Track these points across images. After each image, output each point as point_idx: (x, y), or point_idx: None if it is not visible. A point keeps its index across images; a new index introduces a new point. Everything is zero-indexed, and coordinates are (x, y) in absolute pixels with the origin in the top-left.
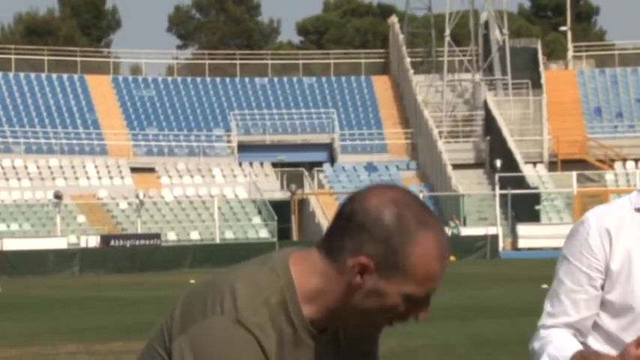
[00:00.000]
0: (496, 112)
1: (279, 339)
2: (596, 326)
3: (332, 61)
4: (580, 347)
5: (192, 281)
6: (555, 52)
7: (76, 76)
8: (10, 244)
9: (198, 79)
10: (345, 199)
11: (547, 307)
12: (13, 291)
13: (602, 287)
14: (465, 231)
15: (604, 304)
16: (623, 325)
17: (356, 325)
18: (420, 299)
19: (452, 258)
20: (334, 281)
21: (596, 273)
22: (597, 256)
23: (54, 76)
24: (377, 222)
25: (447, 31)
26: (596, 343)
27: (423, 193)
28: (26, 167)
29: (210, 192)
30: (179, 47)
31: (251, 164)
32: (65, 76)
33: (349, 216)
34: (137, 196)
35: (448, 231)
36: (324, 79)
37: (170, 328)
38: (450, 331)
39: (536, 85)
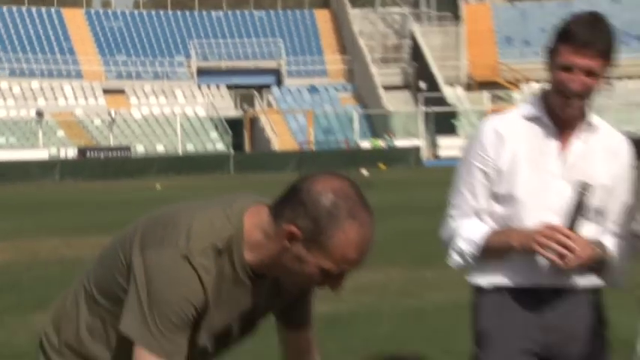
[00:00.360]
0: (421, 41)
1: (219, 276)
2: (492, 215)
3: None
4: (487, 227)
5: (157, 186)
6: None
7: (53, 9)
8: None
9: (162, 12)
10: (300, 177)
11: (452, 200)
12: (1, 196)
13: (494, 182)
14: (394, 143)
15: (495, 196)
16: (509, 213)
17: (284, 280)
18: (334, 275)
19: (383, 166)
20: (272, 239)
21: (489, 169)
22: (489, 155)
23: (33, 9)
24: (314, 203)
25: None
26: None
27: (358, 112)
28: (11, 89)
29: (174, 111)
30: None
31: (209, 87)
32: (43, 9)
33: (296, 191)
34: (109, 114)
35: (383, 143)
36: (272, 12)
37: (132, 242)
38: (384, 225)
39: (457, 17)
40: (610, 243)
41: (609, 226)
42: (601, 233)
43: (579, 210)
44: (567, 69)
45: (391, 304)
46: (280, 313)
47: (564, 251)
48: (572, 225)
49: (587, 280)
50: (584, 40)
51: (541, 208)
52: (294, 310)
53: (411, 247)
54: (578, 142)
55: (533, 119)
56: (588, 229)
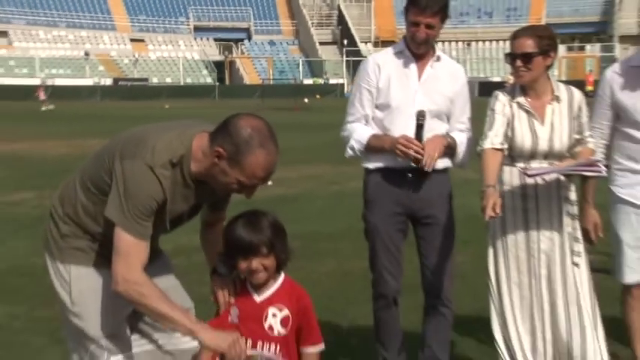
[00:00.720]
0: (345, 12)
1: (173, 182)
2: (374, 119)
3: None
4: (372, 132)
5: (166, 106)
6: None
7: None
8: (59, 82)
9: None
10: (231, 115)
11: (347, 110)
12: (61, 109)
13: (375, 96)
14: (327, 81)
15: (376, 106)
16: (386, 117)
17: (215, 187)
18: (248, 186)
19: (319, 97)
20: (208, 157)
21: (372, 88)
22: (371, 78)
23: None
24: (237, 133)
25: None
26: (376, 129)
27: (302, 59)
28: (67, 36)
29: (177, 55)
30: None
31: (202, 39)
32: None
33: (227, 124)
34: (134, 56)
35: (320, 81)
36: None
37: (114, 152)
38: (319, 136)
39: None
40: (456, 136)
41: (455, 125)
42: (450, 130)
43: (420, 129)
44: (415, 24)
45: (323, 189)
46: (210, 204)
47: (418, 156)
48: (418, 136)
49: (441, 163)
50: (425, 4)
51: (407, 112)
52: (219, 202)
53: (336, 151)
54: (429, 68)
55: (399, 53)
56: (438, 129)
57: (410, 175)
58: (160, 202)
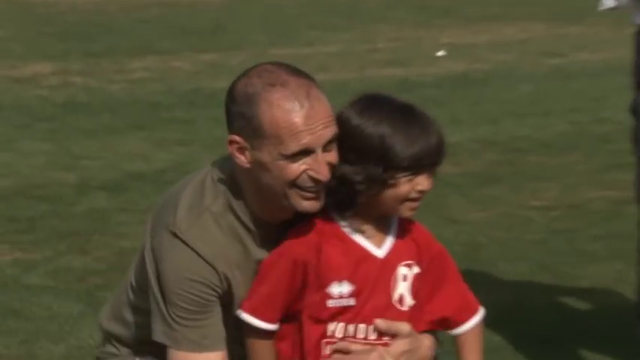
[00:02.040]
0: None
1: (228, 237)
2: None
3: None
4: None
5: None
6: None
7: None
8: None
9: None
10: None
11: None
12: None
13: None
14: None
15: None
16: None
17: (281, 205)
18: (300, 154)
19: None
20: (236, 169)
21: None
22: None
23: None
24: (231, 100)
25: None
26: None
27: None
28: None
29: None
30: None
31: None
32: None
33: (225, 101)
34: None
35: None
36: None
37: (145, 239)
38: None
39: None
40: None
41: None
42: None
43: None
44: None
45: (531, 62)
46: None
47: None
48: None
49: None
50: None
51: None
52: None
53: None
54: None
55: None
56: None
57: None
58: (210, 282)
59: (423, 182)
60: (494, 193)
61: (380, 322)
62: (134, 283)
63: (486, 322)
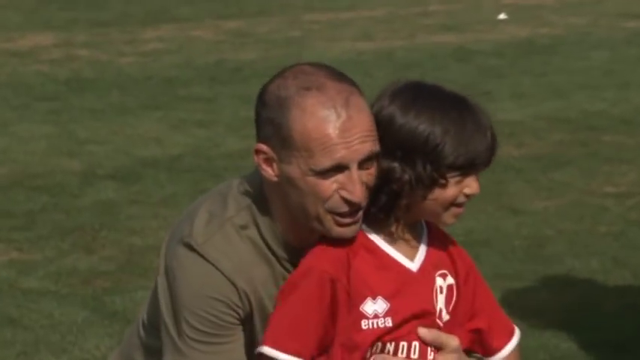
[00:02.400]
0: None
1: (250, 258)
2: None
3: None
4: None
5: None
6: None
7: None
8: None
9: None
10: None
11: None
12: None
13: None
14: None
15: None
16: None
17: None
18: (340, 168)
19: None
20: (264, 182)
21: None
22: None
23: None
24: (261, 103)
25: None
26: None
27: None
28: None
29: None
30: None
31: None
32: None
33: (256, 105)
34: None
35: None
36: None
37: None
38: None
39: None
40: None
41: None
42: None
43: None
44: None
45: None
46: None
47: None
48: None
49: None
50: None
51: None
52: None
53: None
54: None
55: None
56: None
57: None
58: (231, 300)
59: (472, 184)
60: (563, 178)
61: (425, 332)
62: (146, 321)
63: (553, 326)
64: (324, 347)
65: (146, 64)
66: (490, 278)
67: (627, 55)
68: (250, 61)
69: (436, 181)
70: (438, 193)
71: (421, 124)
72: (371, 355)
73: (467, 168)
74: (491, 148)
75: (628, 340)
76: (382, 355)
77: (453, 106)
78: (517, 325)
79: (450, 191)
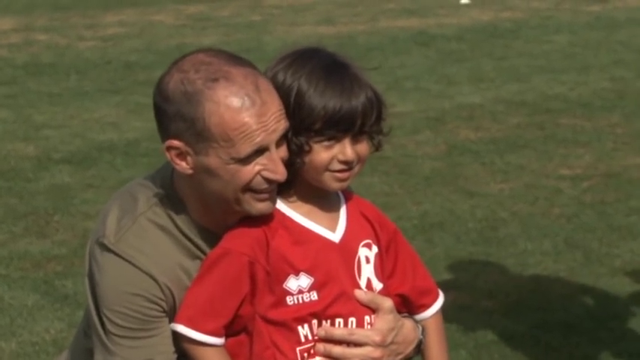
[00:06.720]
0: None
1: (170, 246)
2: None
3: None
4: None
5: None
6: None
7: None
8: None
9: None
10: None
11: None
12: None
13: None
14: None
15: None
16: None
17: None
18: (252, 155)
19: None
20: (178, 176)
21: None
22: None
23: None
24: (164, 99)
25: None
26: None
27: None
28: None
29: None
30: None
31: None
32: None
33: (154, 108)
34: None
35: None
36: None
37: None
38: None
39: None
40: None
41: None
42: None
43: None
44: None
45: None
46: None
47: None
48: None
49: None
50: None
51: None
52: None
53: None
54: None
55: None
56: None
57: None
58: (150, 294)
59: (344, 151)
60: (518, 161)
61: (361, 293)
62: (86, 325)
63: (504, 308)
64: (238, 329)
65: (106, 49)
66: (443, 260)
67: (589, 39)
68: (211, 45)
69: (301, 147)
70: (308, 159)
71: (289, 81)
72: (314, 337)
73: (331, 132)
74: (361, 113)
75: (578, 320)
76: (326, 327)
77: (328, 68)
78: (469, 308)
79: (320, 156)
